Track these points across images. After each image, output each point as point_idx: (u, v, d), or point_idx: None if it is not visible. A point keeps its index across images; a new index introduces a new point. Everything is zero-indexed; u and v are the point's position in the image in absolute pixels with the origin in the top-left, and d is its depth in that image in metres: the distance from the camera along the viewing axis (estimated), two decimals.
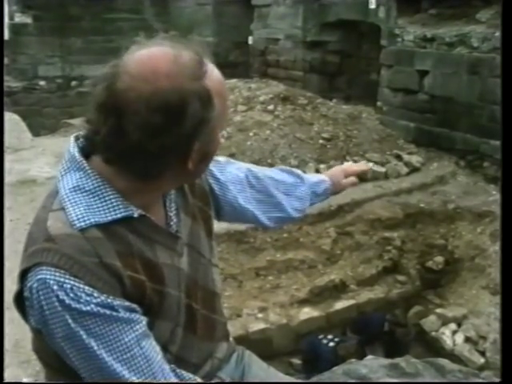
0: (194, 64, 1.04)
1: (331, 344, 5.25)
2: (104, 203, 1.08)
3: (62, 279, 1.01)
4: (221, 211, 1.48)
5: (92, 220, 1.06)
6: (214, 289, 1.36)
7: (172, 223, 1.23)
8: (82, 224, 1.05)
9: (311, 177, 1.77)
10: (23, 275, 1.06)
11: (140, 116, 0.99)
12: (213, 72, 1.08)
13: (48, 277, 1.01)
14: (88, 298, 1.02)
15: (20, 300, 1.09)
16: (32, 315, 1.07)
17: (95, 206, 1.08)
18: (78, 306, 1.01)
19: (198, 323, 1.28)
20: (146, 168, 1.07)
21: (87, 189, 1.08)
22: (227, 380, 1.43)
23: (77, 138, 1.15)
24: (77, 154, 1.11)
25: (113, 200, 1.09)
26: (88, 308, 1.02)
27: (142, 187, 1.11)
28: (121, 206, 1.09)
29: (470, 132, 8.17)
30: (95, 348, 1.03)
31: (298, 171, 1.73)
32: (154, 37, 1.09)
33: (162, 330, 1.18)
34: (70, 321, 1.02)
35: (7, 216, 4.64)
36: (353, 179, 1.90)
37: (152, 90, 0.99)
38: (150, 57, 1.03)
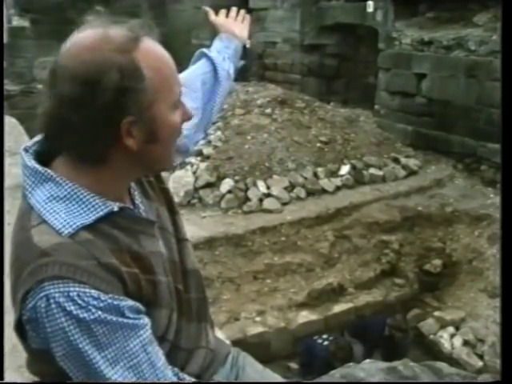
0: (121, 38, 1.05)
1: (325, 343, 5.30)
2: (83, 205, 1.07)
3: (66, 288, 1.00)
4: None
5: (78, 223, 1.05)
6: (187, 265, 1.34)
7: (141, 210, 1.23)
8: (70, 229, 1.04)
9: (216, 57, 1.67)
10: (23, 299, 1.03)
11: (63, 90, 1.01)
12: (148, 46, 1.08)
13: (52, 291, 0.99)
14: (95, 302, 1.00)
15: (20, 326, 1.07)
16: (36, 336, 1.05)
17: (75, 210, 1.07)
18: (85, 314, 1.00)
19: (183, 304, 1.28)
20: (86, 148, 1.07)
21: (62, 196, 1.07)
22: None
23: (26, 150, 1.14)
24: (37, 166, 1.09)
25: (90, 200, 1.08)
26: (96, 315, 1.00)
27: (102, 177, 1.11)
28: (100, 204, 1.08)
29: (468, 135, 8.19)
30: (99, 363, 1.02)
31: (209, 57, 1.66)
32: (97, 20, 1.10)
33: (161, 319, 1.18)
34: (71, 338, 1.00)
35: (5, 219, 4.63)
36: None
37: (74, 65, 1.01)
38: (81, 36, 1.06)
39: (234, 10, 1.82)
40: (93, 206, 1.08)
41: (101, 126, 1.04)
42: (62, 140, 1.07)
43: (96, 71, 1.01)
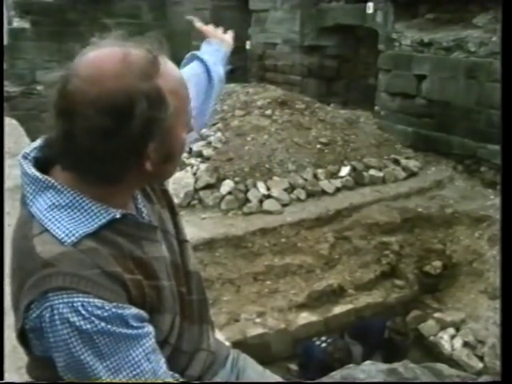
0: (143, 63, 1.02)
1: (323, 345, 5.30)
2: (85, 213, 1.06)
3: (70, 299, 0.99)
4: None
5: (80, 231, 1.04)
6: (189, 267, 1.34)
7: (144, 214, 1.23)
8: (73, 238, 1.03)
9: (208, 59, 1.72)
10: (26, 309, 1.02)
11: (87, 119, 0.97)
12: (167, 70, 1.06)
13: (56, 302, 0.99)
14: (99, 312, 1.00)
15: (23, 335, 1.07)
16: (39, 345, 1.05)
17: (77, 218, 1.05)
18: (88, 326, 0.99)
19: (185, 307, 1.28)
20: (103, 172, 1.05)
21: (63, 204, 1.06)
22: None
23: (25, 157, 1.12)
24: (38, 174, 1.08)
25: (92, 207, 1.07)
26: (99, 327, 1.00)
27: (110, 191, 1.10)
28: (102, 211, 1.07)
29: (468, 136, 8.19)
30: (100, 374, 1.01)
31: (204, 65, 1.69)
32: (108, 36, 1.07)
33: (164, 324, 1.18)
34: (73, 350, 1.00)
35: (5, 221, 4.63)
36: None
37: (98, 92, 0.97)
38: (99, 58, 1.01)
39: (210, 26, 1.89)
40: (95, 214, 1.07)
41: (125, 154, 1.03)
42: (79, 164, 1.05)
43: (124, 101, 0.98)
